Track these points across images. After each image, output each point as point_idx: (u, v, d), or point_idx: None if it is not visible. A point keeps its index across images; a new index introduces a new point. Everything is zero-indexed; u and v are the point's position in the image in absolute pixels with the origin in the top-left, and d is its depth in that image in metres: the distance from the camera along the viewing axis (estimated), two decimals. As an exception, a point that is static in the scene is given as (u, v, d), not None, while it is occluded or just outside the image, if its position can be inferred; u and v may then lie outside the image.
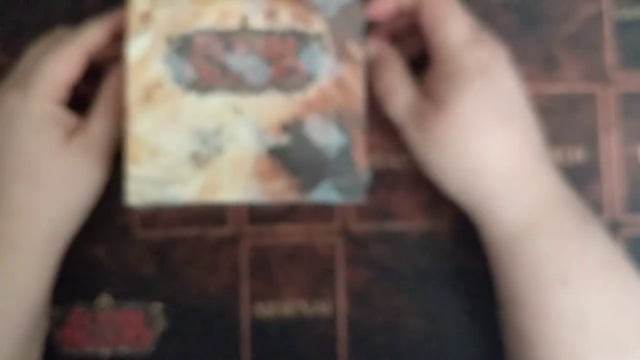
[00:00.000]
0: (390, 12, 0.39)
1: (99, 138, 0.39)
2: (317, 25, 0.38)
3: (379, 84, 0.40)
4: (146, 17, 0.38)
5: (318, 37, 0.38)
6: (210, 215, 0.43)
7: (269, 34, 0.38)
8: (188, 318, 0.43)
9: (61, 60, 0.38)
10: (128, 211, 0.43)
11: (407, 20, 0.40)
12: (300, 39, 0.38)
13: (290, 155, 0.38)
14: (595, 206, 0.43)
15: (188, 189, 0.38)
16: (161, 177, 0.38)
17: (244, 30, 0.38)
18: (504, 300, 0.38)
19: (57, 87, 0.38)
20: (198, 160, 0.38)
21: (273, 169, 0.38)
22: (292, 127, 0.38)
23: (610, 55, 0.44)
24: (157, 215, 0.43)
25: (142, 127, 0.38)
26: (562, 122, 0.43)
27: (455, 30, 0.37)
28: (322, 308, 0.43)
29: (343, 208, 0.43)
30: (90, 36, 0.39)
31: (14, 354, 0.37)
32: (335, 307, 0.43)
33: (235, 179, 0.38)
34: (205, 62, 0.38)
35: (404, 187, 0.43)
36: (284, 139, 0.38)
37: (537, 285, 0.36)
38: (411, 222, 0.43)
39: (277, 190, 0.38)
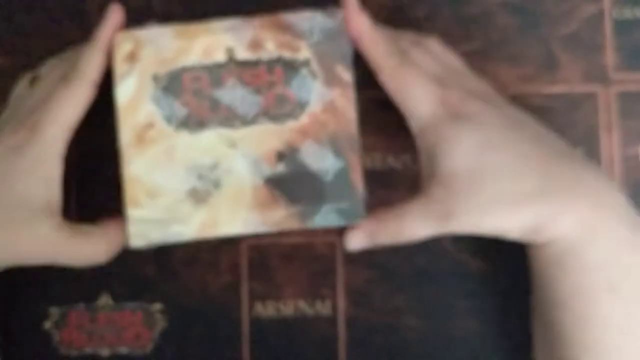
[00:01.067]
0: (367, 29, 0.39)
1: (84, 248, 0.38)
2: (303, 52, 0.38)
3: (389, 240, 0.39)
4: (131, 57, 0.38)
5: (306, 64, 0.38)
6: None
7: (256, 64, 0.38)
8: (188, 318, 0.43)
9: (72, 103, 0.37)
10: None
11: None
12: (288, 66, 0.38)
13: (288, 184, 0.38)
14: (596, 206, 0.42)
15: (189, 227, 0.38)
16: (161, 217, 0.38)
17: (231, 62, 0.38)
18: (547, 303, 0.37)
19: (69, 128, 0.38)
20: (196, 196, 0.38)
21: (272, 199, 0.38)
22: (288, 155, 0.38)
23: (610, 55, 0.44)
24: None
25: (137, 169, 0.38)
26: (562, 122, 0.43)
27: (419, 99, 0.37)
28: (322, 308, 0.43)
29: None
30: (94, 65, 0.38)
31: None
32: (334, 307, 0.43)
33: (235, 212, 0.38)
34: (194, 98, 0.38)
35: (404, 187, 0.43)
36: (280, 168, 0.38)
37: (583, 293, 0.35)
38: (411, 222, 0.43)
39: (277, 221, 0.38)
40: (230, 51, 0.38)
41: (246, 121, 0.38)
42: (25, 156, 0.37)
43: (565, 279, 0.36)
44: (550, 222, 0.35)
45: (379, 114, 0.43)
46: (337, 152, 0.38)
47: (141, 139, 0.38)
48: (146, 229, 0.38)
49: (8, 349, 0.42)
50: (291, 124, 0.38)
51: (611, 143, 0.43)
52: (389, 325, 0.43)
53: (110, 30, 0.38)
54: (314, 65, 0.38)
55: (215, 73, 0.38)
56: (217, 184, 0.38)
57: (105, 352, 0.43)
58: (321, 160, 0.38)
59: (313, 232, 0.43)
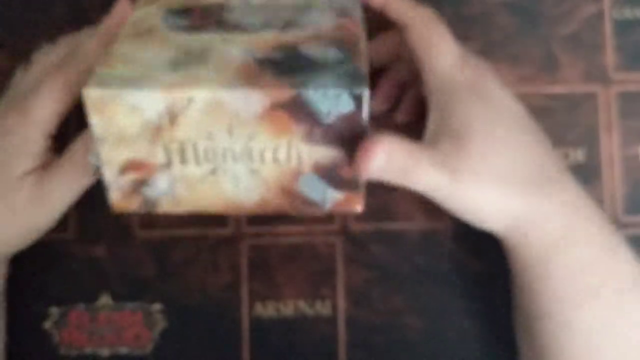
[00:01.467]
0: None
1: (55, 183, 0.38)
2: (317, 1, 0.37)
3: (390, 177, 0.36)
4: (152, 0, 0.37)
5: (318, 4, 0.37)
6: (210, 215, 0.43)
7: (270, 2, 0.37)
8: (188, 318, 0.43)
9: (65, 88, 0.38)
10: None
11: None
12: (301, 6, 0.37)
13: (282, 65, 0.32)
14: (596, 206, 0.43)
15: (156, 83, 0.31)
16: (131, 75, 0.32)
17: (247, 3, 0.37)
18: (531, 315, 0.37)
19: (60, 112, 0.38)
20: (177, 64, 0.32)
21: (261, 70, 0.32)
22: (286, 47, 0.33)
23: (610, 55, 0.44)
24: (157, 216, 0.43)
25: (122, 47, 0.34)
26: (562, 122, 0.43)
27: (443, 54, 0.36)
28: (322, 308, 0.43)
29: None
30: (92, 55, 0.38)
31: None
32: (334, 307, 0.43)
33: (215, 77, 0.32)
34: (201, 18, 0.36)
35: (403, 187, 0.43)
36: (275, 54, 0.33)
37: (568, 299, 0.35)
38: (411, 222, 0.43)
39: (265, 83, 0.31)
40: None
41: (248, 30, 0.35)
42: (14, 137, 0.37)
43: (545, 287, 0.36)
44: (537, 219, 0.35)
45: (379, 114, 0.43)
46: (342, 49, 0.33)
47: (138, 34, 0.35)
48: (109, 82, 0.31)
49: (8, 348, 0.42)
50: (296, 32, 0.35)
51: (611, 143, 0.43)
52: (389, 325, 0.43)
53: (116, 23, 0.38)
54: (326, 6, 0.37)
55: (229, 4, 0.37)
56: (202, 59, 0.33)
57: (105, 352, 0.43)
58: (322, 52, 0.33)
59: (313, 232, 0.43)
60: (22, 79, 0.40)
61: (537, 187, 0.35)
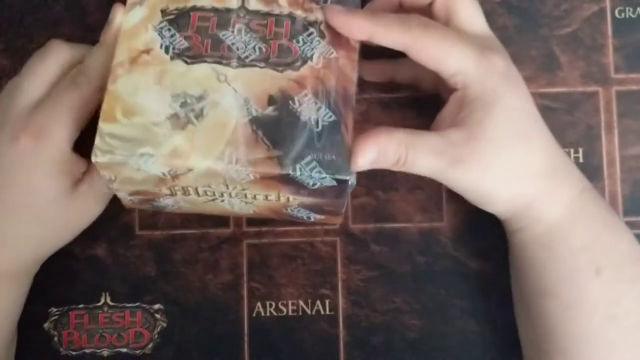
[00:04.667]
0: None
1: (102, 186, 0.39)
2: (315, 13, 0.38)
3: (396, 167, 0.37)
4: None
5: (315, 24, 0.38)
6: (210, 215, 0.43)
7: (265, 15, 0.38)
8: (188, 318, 0.43)
9: (81, 105, 0.38)
10: (128, 211, 0.43)
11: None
12: (297, 24, 0.38)
13: (274, 127, 0.35)
14: (595, 206, 0.43)
15: (159, 151, 0.35)
16: (133, 135, 0.35)
17: (242, 9, 0.38)
18: (533, 294, 0.38)
19: (78, 129, 0.38)
20: (176, 123, 0.35)
21: (254, 138, 0.35)
22: (280, 100, 0.36)
23: (610, 55, 0.44)
24: (157, 216, 0.43)
25: (121, 86, 0.36)
26: (562, 122, 0.43)
27: (460, 58, 0.36)
28: (322, 307, 0.43)
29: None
30: (103, 68, 0.38)
31: None
32: (334, 306, 0.43)
33: (211, 145, 0.35)
34: (198, 34, 0.37)
35: (403, 187, 0.43)
36: (269, 111, 0.36)
37: (572, 277, 0.36)
38: (411, 222, 0.43)
39: (254, 160, 0.35)
40: (244, 0, 0.38)
41: (244, 63, 0.37)
42: (37, 160, 0.37)
43: (553, 264, 0.37)
44: (544, 201, 0.37)
45: (379, 114, 0.43)
46: (332, 106, 0.36)
47: (134, 60, 0.37)
48: (113, 145, 0.35)
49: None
50: (289, 73, 0.37)
51: (611, 143, 0.43)
52: (389, 325, 0.43)
53: (115, 31, 0.38)
54: (323, 27, 0.38)
55: (225, 16, 0.38)
56: (200, 115, 0.36)
57: (105, 352, 0.43)
58: (313, 111, 0.36)
59: (313, 232, 0.43)
60: (18, 93, 0.39)
61: (546, 175, 0.37)
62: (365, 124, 0.41)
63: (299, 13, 0.38)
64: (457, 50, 0.36)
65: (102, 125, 0.35)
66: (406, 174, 0.43)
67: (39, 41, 0.43)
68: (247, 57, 0.37)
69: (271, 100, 0.36)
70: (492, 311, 0.43)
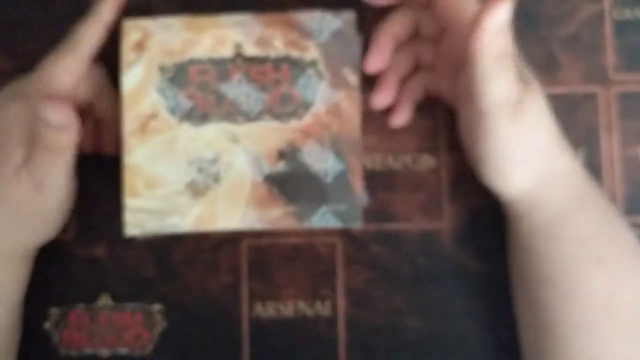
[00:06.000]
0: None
1: (39, 165, 0.37)
2: (311, 52, 0.38)
3: (470, 82, 0.36)
4: (139, 47, 0.38)
5: (313, 64, 0.38)
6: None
7: (263, 61, 0.38)
8: (188, 319, 0.43)
9: (63, 73, 0.38)
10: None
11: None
12: (295, 65, 0.38)
13: (287, 183, 0.38)
14: (596, 206, 0.42)
15: (186, 220, 0.38)
16: (159, 207, 0.38)
17: (238, 58, 0.38)
18: (532, 282, 0.38)
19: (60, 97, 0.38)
20: (195, 189, 0.38)
21: (270, 196, 0.38)
22: (289, 153, 0.38)
23: (610, 56, 0.44)
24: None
25: (137, 158, 0.38)
26: (562, 123, 0.43)
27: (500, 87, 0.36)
28: (322, 308, 0.43)
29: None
30: (88, 38, 0.38)
31: None
32: (335, 307, 0.43)
33: (232, 208, 0.38)
34: (199, 91, 0.38)
35: (403, 188, 0.43)
36: (280, 166, 0.38)
37: (573, 265, 0.36)
38: (411, 223, 0.43)
39: (274, 218, 0.38)
40: (238, 46, 0.38)
41: (250, 117, 0.38)
42: (14, 128, 0.37)
43: (554, 252, 0.37)
44: (553, 183, 0.37)
45: (379, 114, 0.43)
46: (339, 154, 0.38)
47: (144, 128, 0.38)
48: (142, 219, 0.38)
49: (8, 349, 0.42)
50: (294, 123, 0.38)
51: (611, 143, 0.43)
52: (389, 326, 0.43)
53: (111, 5, 0.38)
54: (321, 66, 0.38)
55: (222, 67, 0.38)
56: (216, 178, 0.38)
57: (105, 352, 0.43)
58: (322, 161, 0.38)
59: (313, 233, 0.43)
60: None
61: (561, 158, 0.37)
62: (367, 126, 0.41)
63: (295, 54, 0.38)
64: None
65: (128, 201, 0.38)
66: (406, 173, 0.43)
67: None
68: (251, 110, 0.38)
69: (281, 155, 0.38)
70: (493, 312, 0.43)
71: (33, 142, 0.37)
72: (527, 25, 0.44)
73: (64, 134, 0.37)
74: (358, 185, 0.38)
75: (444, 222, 0.43)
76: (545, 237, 0.37)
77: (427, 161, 0.43)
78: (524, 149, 0.36)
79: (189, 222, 0.38)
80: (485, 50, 0.34)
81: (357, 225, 0.39)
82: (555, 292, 0.37)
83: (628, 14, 0.44)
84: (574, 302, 0.36)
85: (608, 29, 0.44)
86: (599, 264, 0.36)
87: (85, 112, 0.40)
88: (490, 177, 0.38)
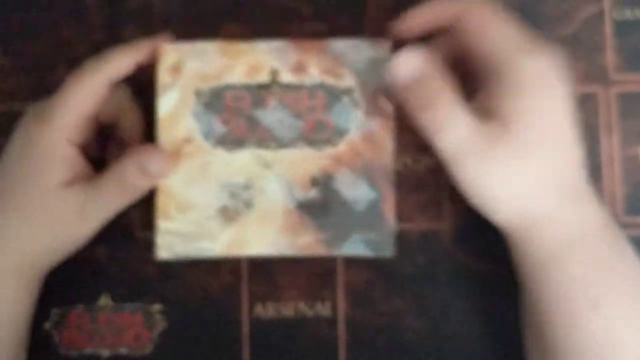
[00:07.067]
0: (421, 27, 0.37)
1: (99, 198, 0.38)
2: (346, 80, 0.38)
3: (424, 115, 0.35)
4: (175, 70, 0.38)
5: (348, 92, 0.38)
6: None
7: (298, 88, 0.38)
8: (188, 319, 0.43)
9: (83, 92, 0.37)
10: (128, 212, 0.43)
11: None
12: (330, 93, 0.38)
13: (319, 210, 0.39)
14: (596, 206, 0.42)
15: (217, 244, 0.39)
16: (190, 231, 0.39)
17: (274, 84, 0.38)
18: (535, 307, 0.37)
19: (80, 116, 0.38)
20: (227, 214, 0.39)
21: (301, 223, 0.39)
22: (322, 181, 0.38)
23: (610, 56, 0.44)
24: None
25: (170, 181, 0.39)
26: (562, 123, 0.43)
27: (504, 35, 0.35)
28: (322, 309, 0.43)
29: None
30: (114, 64, 0.38)
31: None
32: (335, 308, 0.43)
33: (263, 234, 0.39)
34: (234, 117, 0.38)
35: (404, 187, 0.43)
36: (312, 193, 0.38)
37: (567, 309, 0.35)
38: (411, 222, 0.43)
39: (305, 245, 0.39)
40: (274, 73, 0.38)
41: (283, 144, 0.38)
42: (39, 147, 0.37)
43: (549, 289, 0.36)
44: (551, 224, 0.35)
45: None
46: (371, 182, 0.38)
47: (178, 152, 0.38)
48: (173, 242, 0.39)
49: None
50: (328, 151, 0.38)
51: (611, 143, 0.43)
52: (390, 326, 0.43)
53: (148, 44, 0.38)
54: (356, 94, 0.38)
55: (258, 93, 0.38)
56: (248, 204, 0.38)
57: (105, 352, 0.43)
58: (354, 189, 0.38)
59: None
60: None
61: (560, 193, 0.35)
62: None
63: (331, 82, 0.38)
64: (500, 27, 0.35)
65: (160, 223, 0.39)
66: (406, 173, 0.43)
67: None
68: (284, 137, 0.38)
69: (313, 182, 0.38)
70: (494, 312, 0.42)
71: (103, 175, 0.38)
72: (527, 25, 0.44)
73: (153, 182, 0.38)
74: (390, 214, 0.39)
75: (444, 222, 0.43)
76: (541, 273, 0.36)
77: (427, 161, 0.43)
78: (501, 188, 0.35)
79: (219, 247, 0.39)
80: (408, 106, 0.34)
81: (388, 254, 0.39)
82: (554, 324, 0.36)
83: (628, 14, 0.44)
84: (571, 337, 0.35)
85: (608, 29, 0.44)
86: (593, 310, 0.34)
87: (108, 130, 0.40)
88: (476, 205, 0.37)
